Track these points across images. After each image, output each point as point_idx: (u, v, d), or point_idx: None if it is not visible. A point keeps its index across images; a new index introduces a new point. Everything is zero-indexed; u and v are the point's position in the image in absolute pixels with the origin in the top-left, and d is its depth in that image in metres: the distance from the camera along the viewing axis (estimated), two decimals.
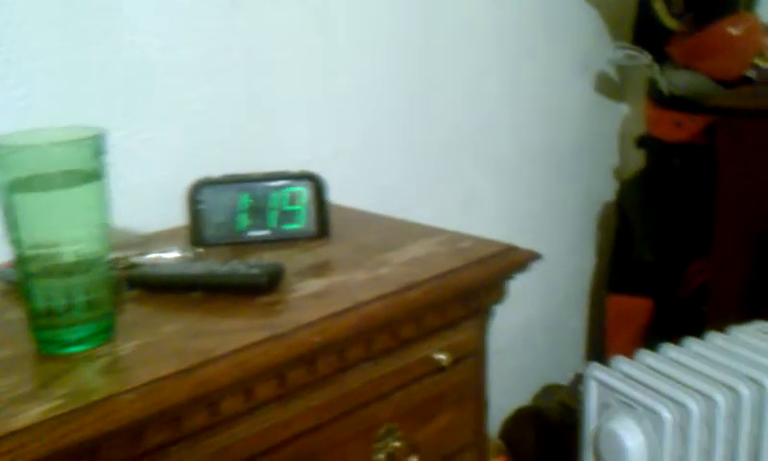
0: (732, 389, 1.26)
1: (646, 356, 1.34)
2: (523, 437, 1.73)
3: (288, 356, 0.75)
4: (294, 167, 1.08)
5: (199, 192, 1.02)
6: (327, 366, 0.80)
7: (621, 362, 1.32)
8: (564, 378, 1.89)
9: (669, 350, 1.36)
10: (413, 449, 0.91)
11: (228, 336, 0.75)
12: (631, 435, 1.23)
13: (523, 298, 1.61)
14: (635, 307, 1.71)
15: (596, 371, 1.30)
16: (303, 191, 1.05)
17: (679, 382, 1.27)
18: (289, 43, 1.28)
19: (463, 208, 1.59)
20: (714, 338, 1.39)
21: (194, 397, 0.68)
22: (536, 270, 0.97)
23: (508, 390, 1.72)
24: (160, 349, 0.73)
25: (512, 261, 0.96)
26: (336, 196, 1.09)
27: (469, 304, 0.95)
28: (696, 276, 1.68)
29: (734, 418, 1.26)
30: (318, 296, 0.85)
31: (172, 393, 0.66)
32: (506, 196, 1.72)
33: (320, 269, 0.95)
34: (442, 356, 0.92)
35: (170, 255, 0.91)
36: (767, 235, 1.57)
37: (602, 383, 1.29)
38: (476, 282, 0.94)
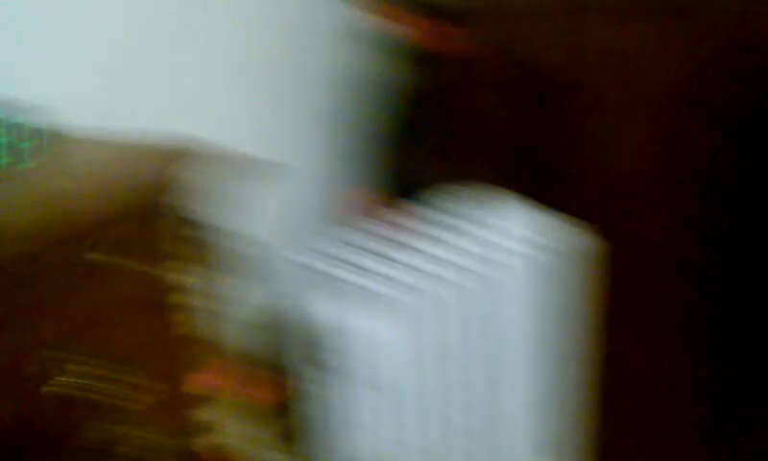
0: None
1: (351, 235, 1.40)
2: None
3: None
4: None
5: None
6: None
7: (325, 244, 1.36)
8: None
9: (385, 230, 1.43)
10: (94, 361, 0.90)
11: None
12: (337, 311, 1.29)
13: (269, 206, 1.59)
14: (372, 202, 1.72)
15: (298, 254, 1.35)
16: (32, 124, 1.02)
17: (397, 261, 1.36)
18: None
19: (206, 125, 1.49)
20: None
21: None
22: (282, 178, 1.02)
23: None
24: None
25: (194, 159, 0.99)
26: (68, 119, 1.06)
27: (157, 206, 0.96)
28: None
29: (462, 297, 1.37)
30: None
31: None
32: (250, 110, 1.68)
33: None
34: (128, 263, 0.92)
35: None
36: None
37: (307, 266, 1.34)
38: (158, 183, 0.96)
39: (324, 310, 1.35)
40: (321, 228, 1.83)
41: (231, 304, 1.21)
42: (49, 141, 1.04)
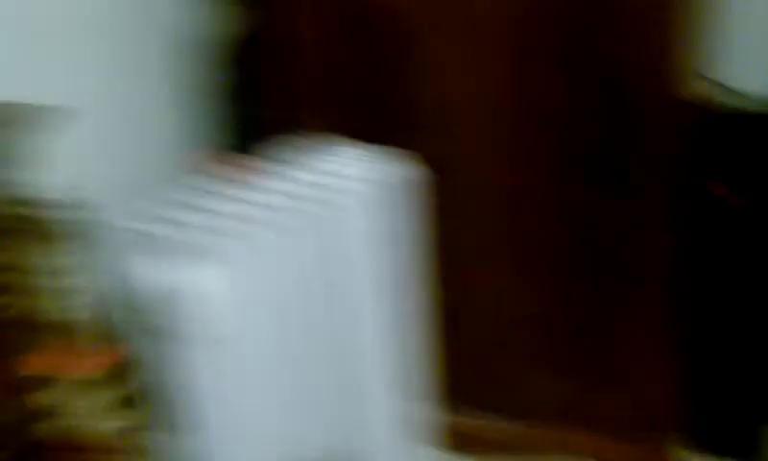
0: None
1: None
2: None
3: None
4: None
5: None
6: None
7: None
8: None
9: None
10: None
11: None
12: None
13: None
14: (205, 157, 1.68)
15: (125, 218, 1.33)
16: None
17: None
18: None
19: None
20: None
21: None
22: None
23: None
24: None
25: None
26: None
27: None
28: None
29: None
30: None
31: None
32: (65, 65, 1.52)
33: None
34: None
35: None
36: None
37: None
38: None
39: (151, 271, 1.30)
40: (151, 187, 1.77)
41: (62, 277, 1.14)
42: None
